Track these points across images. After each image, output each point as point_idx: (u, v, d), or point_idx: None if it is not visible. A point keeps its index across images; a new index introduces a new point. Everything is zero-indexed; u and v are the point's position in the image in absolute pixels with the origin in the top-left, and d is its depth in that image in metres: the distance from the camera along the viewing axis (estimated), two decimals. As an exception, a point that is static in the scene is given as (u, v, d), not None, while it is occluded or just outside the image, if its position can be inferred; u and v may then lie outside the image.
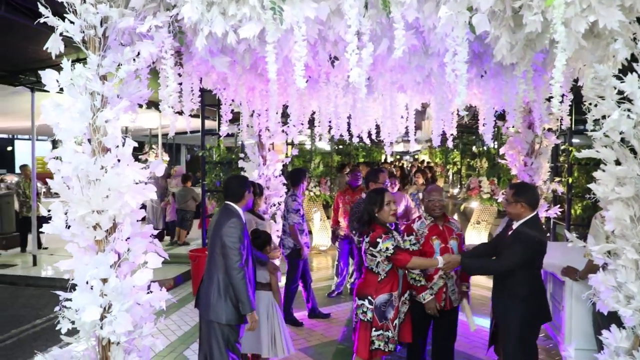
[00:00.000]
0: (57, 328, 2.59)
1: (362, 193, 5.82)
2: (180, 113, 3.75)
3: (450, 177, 21.68)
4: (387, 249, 3.34)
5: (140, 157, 11.95)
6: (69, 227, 2.65)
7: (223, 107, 4.30)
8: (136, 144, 2.82)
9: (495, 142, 9.12)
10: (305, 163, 9.76)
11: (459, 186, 17.52)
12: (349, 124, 5.05)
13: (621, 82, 2.18)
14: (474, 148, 15.20)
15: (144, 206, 4.40)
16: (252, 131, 5.23)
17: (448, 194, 19.15)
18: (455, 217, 14.40)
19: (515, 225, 3.34)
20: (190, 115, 4.26)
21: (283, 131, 5.37)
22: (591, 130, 2.39)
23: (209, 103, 6.63)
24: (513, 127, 5.14)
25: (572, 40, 2.21)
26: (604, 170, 2.38)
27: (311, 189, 8.76)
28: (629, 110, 2.25)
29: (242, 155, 5.54)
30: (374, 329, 3.39)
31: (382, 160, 27.71)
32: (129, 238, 2.77)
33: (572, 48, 2.23)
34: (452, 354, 3.92)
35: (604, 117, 2.34)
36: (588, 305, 3.14)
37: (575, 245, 2.65)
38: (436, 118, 3.76)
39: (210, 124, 8.66)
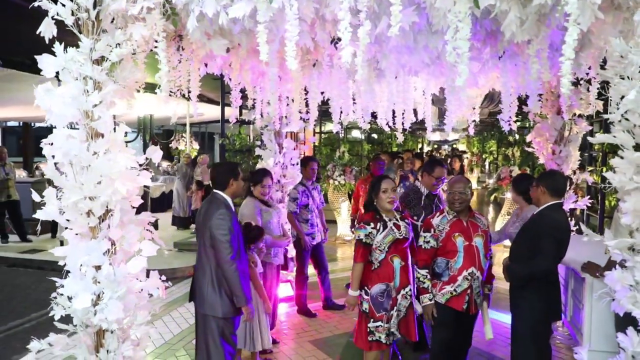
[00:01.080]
0: (50, 315, 2.58)
1: None
2: (188, 98, 3.69)
3: (487, 166, 21.10)
4: (358, 237, 3.31)
5: (170, 145, 12.09)
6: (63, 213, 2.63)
7: (232, 93, 4.22)
8: (128, 129, 2.76)
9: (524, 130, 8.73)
10: (332, 152, 9.62)
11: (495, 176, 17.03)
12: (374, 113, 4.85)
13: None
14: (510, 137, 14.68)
15: (146, 194, 4.35)
16: (269, 118, 5.13)
17: (484, 184, 18.66)
18: (490, 208, 13.95)
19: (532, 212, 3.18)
20: (215, 103, 4.26)
21: (301, 119, 5.25)
22: (609, 113, 2.16)
23: (229, 90, 6.56)
24: (541, 113, 4.85)
25: (588, 13, 1.99)
26: (621, 157, 2.15)
27: (336, 178, 8.62)
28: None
29: (258, 143, 5.46)
30: (371, 320, 3.28)
31: (418, 150, 27.32)
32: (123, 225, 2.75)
33: (588, 21, 2.01)
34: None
35: (623, 98, 2.11)
36: (603, 303, 2.90)
37: (591, 239, 2.43)
38: (449, 103, 3.54)
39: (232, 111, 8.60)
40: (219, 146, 6.99)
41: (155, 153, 2.85)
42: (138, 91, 2.96)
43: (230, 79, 3.99)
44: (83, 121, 2.59)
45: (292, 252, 5.18)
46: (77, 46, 2.59)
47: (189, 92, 3.62)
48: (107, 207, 2.63)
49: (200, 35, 2.78)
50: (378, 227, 3.30)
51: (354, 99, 4.11)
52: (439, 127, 19.81)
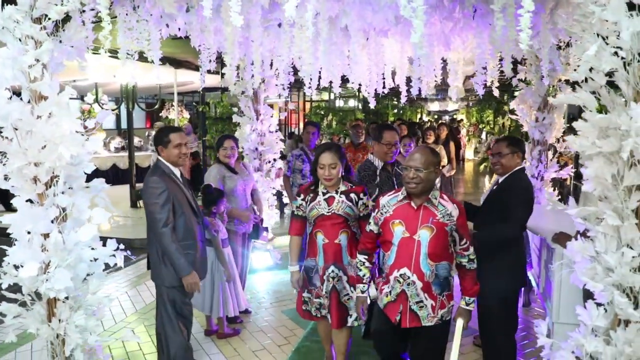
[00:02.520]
0: None
1: (366, 151, 5.46)
2: (175, 66, 3.53)
3: (485, 137, 20.88)
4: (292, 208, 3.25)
5: (160, 114, 11.93)
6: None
7: (201, 57, 4.06)
8: (74, 92, 2.63)
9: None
10: (321, 120, 9.46)
11: (492, 147, 16.85)
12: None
13: (602, 10, 1.79)
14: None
15: (132, 163, 4.23)
16: (243, 83, 4.97)
17: (479, 154, 18.47)
18: (486, 180, 13.71)
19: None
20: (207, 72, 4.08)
21: (277, 85, 5.09)
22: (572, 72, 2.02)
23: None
24: (525, 79, 4.68)
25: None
26: (585, 120, 2.02)
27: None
28: (619, 48, 1.87)
29: (235, 110, 5.32)
30: (305, 289, 3.21)
31: (418, 120, 26.99)
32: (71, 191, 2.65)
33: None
34: None
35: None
36: (559, 276, 2.83)
37: (555, 207, 2.32)
38: (421, 68, 3.37)
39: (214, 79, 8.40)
40: (200, 114, 6.84)
41: (106, 117, 2.75)
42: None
43: (196, 42, 3.81)
44: (24, 83, 2.46)
45: (268, 222, 5.11)
46: (16, 3, 2.44)
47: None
48: (53, 173, 2.53)
49: (148, -10, 2.62)
50: (306, 200, 3.13)
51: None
52: (437, 96, 19.51)
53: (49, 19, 2.46)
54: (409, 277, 2.60)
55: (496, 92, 4.27)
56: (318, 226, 3.09)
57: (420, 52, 2.17)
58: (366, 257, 2.84)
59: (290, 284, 3.31)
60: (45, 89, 2.46)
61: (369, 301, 2.88)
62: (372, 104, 4.13)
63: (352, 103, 17.46)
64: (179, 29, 3.53)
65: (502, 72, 3.68)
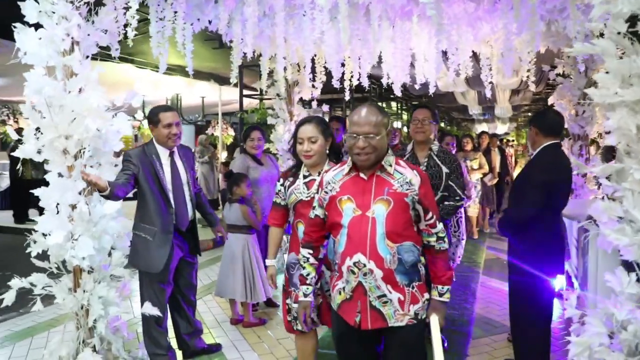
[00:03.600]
0: (27, 251, 2.61)
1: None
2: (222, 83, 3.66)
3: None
4: None
5: (206, 132, 12.27)
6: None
7: (232, 53, 4.18)
8: (104, 70, 2.76)
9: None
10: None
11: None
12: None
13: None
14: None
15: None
16: (279, 85, 5.06)
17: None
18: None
19: None
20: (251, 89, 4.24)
21: (313, 86, 5.17)
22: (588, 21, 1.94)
23: (246, 64, 6.56)
24: (563, 72, 4.52)
25: None
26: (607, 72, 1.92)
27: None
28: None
29: (270, 111, 5.41)
30: (288, 296, 2.72)
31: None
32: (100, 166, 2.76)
33: None
34: None
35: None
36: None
37: (580, 169, 2.19)
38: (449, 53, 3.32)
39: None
40: (239, 120, 7.05)
41: (135, 97, 2.86)
42: (127, 61, 2.95)
43: (230, 40, 3.93)
44: (58, 61, 2.61)
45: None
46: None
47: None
48: (81, 145, 2.65)
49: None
50: (285, 184, 2.70)
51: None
52: (484, 116, 19.07)
53: (84, 2, 2.63)
54: (364, 265, 2.04)
55: (532, 87, 4.16)
56: (298, 215, 2.64)
57: (430, 13, 2.14)
58: (310, 251, 2.31)
59: None
60: (76, 65, 2.60)
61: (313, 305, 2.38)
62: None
63: (396, 124, 17.36)
64: (210, 21, 3.66)
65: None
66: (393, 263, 2.06)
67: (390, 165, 2.14)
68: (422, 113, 3.34)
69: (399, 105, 15.03)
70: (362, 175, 2.14)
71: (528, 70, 3.81)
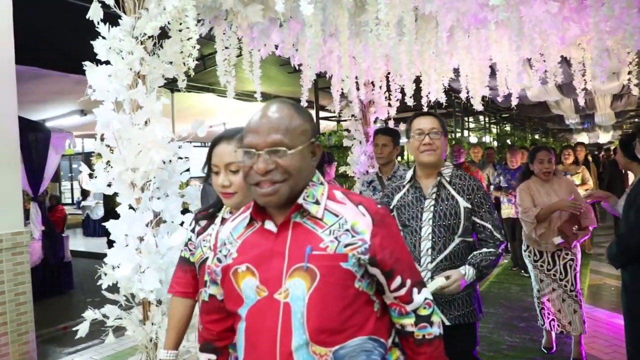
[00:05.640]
0: (98, 283, 2.66)
1: (469, 172, 4.89)
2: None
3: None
4: None
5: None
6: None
7: (302, 76, 4.11)
8: (168, 101, 2.77)
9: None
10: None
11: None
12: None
13: None
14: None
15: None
16: (354, 106, 4.93)
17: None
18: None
19: None
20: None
21: (389, 104, 4.99)
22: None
23: (323, 86, 6.53)
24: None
25: None
26: None
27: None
28: None
29: (345, 133, 5.29)
30: None
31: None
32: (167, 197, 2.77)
33: None
34: None
35: None
36: None
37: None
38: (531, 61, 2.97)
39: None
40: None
41: (201, 127, 2.86)
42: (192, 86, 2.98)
43: (299, 64, 3.88)
44: (125, 95, 2.67)
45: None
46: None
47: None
48: (147, 178, 2.67)
49: (234, 2, 2.72)
50: (196, 229, 1.83)
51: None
52: (583, 125, 17.70)
53: (148, 36, 2.68)
54: None
55: (635, 91, 3.68)
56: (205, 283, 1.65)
57: (502, 16, 1.89)
58: (212, 357, 1.45)
59: None
60: (141, 98, 2.63)
61: None
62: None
63: (486, 139, 16.59)
64: (276, 46, 3.63)
65: None
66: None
67: (317, 203, 1.26)
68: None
69: (485, 119, 14.33)
70: (267, 226, 1.27)
71: (629, 73, 3.38)
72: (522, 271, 6.20)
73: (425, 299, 1.32)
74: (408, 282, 1.29)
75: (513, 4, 2.43)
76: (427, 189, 2.29)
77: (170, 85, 7.86)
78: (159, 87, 2.75)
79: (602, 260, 6.65)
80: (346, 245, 1.21)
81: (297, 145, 1.22)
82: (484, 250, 2.17)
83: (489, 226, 2.20)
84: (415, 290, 1.30)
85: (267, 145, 1.20)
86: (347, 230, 1.23)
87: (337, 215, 1.25)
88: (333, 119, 6.87)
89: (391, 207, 2.37)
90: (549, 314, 3.56)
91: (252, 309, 1.24)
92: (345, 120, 6.65)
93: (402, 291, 1.29)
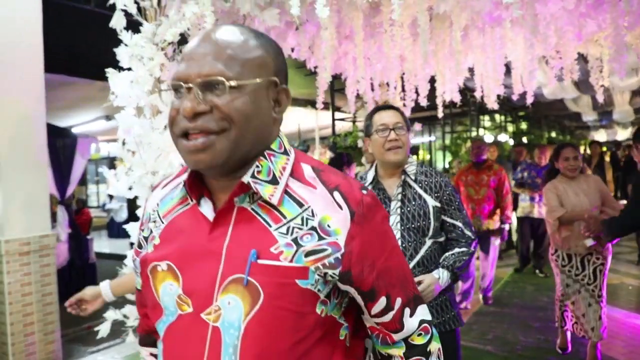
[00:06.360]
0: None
1: (493, 171, 4.70)
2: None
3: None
4: None
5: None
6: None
7: (318, 78, 4.15)
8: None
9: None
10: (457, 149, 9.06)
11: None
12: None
13: None
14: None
15: None
16: (368, 106, 4.96)
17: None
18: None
19: None
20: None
21: (404, 105, 5.00)
22: None
23: (338, 87, 6.55)
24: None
25: None
26: None
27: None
28: None
29: (360, 134, 5.31)
30: None
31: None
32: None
33: None
34: None
35: None
36: None
37: None
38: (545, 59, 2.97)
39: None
40: (332, 145, 7.09)
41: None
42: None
43: (314, 66, 3.92)
44: (145, 100, 2.73)
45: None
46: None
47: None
48: (168, 181, 2.72)
49: (251, 7, 2.76)
50: None
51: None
52: (601, 122, 17.45)
53: (168, 42, 2.74)
54: None
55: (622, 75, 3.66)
56: None
57: (516, 13, 1.90)
58: (153, 350, 1.12)
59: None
60: (160, 103, 2.69)
61: None
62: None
63: (502, 137, 16.45)
64: (292, 49, 3.67)
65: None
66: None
67: (273, 182, 0.87)
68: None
69: (501, 117, 14.22)
70: (204, 208, 0.90)
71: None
72: (537, 271, 6.15)
73: (422, 321, 0.96)
74: (398, 302, 0.92)
75: (527, 1, 2.43)
76: (391, 189, 2.07)
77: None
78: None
79: (619, 259, 6.58)
80: (308, 254, 0.83)
81: (240, 77, 0.83)
82: (457, 250, 2.01)
83: (460, 224, 2.04)
84: (407, 311, 0.93)
85: (200, 77, 0.81)
86: (313, 229, 0.84)
87: (301, 204, 0.86)
88: (349, 119, 6.91)
89: None
90: (572, 317, 3.51)
91: (171, 327, 0.89)
92: (361, 121, 6.69)
93: (388, 316, 0.92)
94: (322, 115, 9.97)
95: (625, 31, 2.77)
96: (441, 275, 1.93)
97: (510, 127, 15.47)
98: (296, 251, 0.83)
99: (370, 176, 2.13)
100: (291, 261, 0.83)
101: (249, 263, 0.82)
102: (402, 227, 2.00)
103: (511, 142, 13.46)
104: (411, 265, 1.98)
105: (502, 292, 5.44)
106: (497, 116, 14.15)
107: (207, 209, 0.89)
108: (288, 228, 0.85)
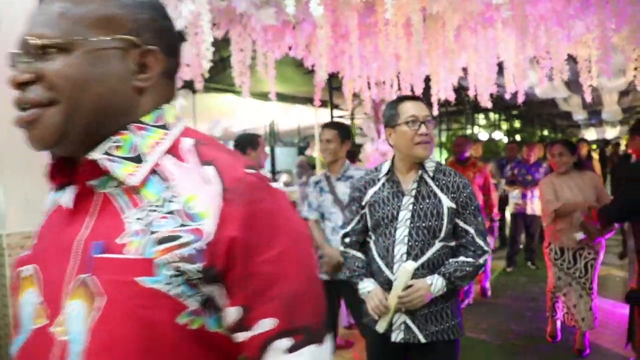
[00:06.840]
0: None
1: (477, 168, 4.62)
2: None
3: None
4: None
5: (305, 153, 12.62)
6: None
7: (315, 76, 4.23)
8: (185, 103, 2.92)
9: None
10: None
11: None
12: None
13: None
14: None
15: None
16: (365, 104, 5.05)
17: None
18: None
19: None
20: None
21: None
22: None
23: (336, 85, 6.63)
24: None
25: None
26: None
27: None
28: None
29: (358, 131, 5.41)
30: None
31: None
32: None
33: None
34: None
35: None
36: None
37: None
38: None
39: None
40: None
41: (217, 126, 2.99)
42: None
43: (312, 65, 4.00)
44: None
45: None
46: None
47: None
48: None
49: (247, 5, 2.84)
50: None
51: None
52: (591, 121, 17.63)
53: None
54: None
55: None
56: None
57: (506, 14, 1.99)
58: None
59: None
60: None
61: None
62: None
63: (496, 135, 16.60)
64: (290, 47, 3.75)
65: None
66: None
67: (136, 160, 0.71)
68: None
69: (496, 116, 14.36)
70: (63, 196, 0.77)
71: (635, 69, 3.45)
72: (529, 263, 6.27)
73: None
74: (265, 324, 0.67)
75: (517, 2, 2.52)
76: (406, 184, 1.93)
77: (192, 86, 8.07)
78: (180, 88, 2.89)
79: (607, 251, 6.71)
80: (161, 241, 0.66)
81: (78, 39, 0.68)
82: (461, 258, 1.87)
83: (472, 231, 1.88)
84: (281, 344, 0.67)
85: (27, 44, 0.69)
86: (175, 212, 0.68)
87: (166, 183, 0.70)
88: (347, 117, 6.99)
89: (363, 203, 2.00)
90: (563, 307, 3.63)
91: (24, 347, 0.72)
92: (358, 118, 6.78)
93: (240, 336, 0.69)
94: (321, 113, 10.05)
95: (612, 33, 2.87)
96: (434, 282, 1.82)
97: (504, 125, 15.62)
98: (147, 239, 0.66)
99: (385, 167, 1.99)
100: (140, 252, 0.65)
101: (90, 257, 0.66)
102: (412, 225, 1.87)
103: (505, 139, 13.61)
104: (415, 266, 1.84)
105: (495, 283, 5.56)
106: (491, 114, 14.29)
107: (67, 197, 0.74)
108: (145, 213, 0.68)
